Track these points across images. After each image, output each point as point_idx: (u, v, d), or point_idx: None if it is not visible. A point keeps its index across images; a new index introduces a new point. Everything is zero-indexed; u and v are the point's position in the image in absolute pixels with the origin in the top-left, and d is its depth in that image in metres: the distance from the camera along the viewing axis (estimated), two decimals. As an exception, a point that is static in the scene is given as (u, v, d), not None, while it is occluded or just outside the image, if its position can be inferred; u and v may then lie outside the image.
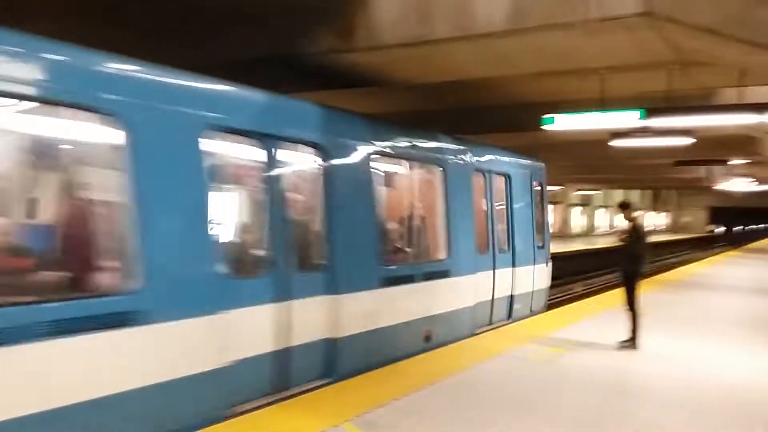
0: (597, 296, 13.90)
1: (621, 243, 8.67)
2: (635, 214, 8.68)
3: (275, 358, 5.89)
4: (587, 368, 7.32)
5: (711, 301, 13.34)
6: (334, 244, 6.68)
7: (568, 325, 9.97)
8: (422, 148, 8.71)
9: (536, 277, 11.40)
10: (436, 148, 8.95)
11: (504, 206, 10.77)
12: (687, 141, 11.39)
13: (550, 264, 12.30)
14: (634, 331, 8.37)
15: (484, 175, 10.18)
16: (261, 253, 6.07)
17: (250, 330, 5.61)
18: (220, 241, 5.71)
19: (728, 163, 21.71)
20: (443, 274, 8.60)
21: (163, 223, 4.99)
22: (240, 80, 6.04)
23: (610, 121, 9.66)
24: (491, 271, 9.85)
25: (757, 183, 29.91)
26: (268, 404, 5.59)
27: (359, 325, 6.89)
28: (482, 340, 8.71)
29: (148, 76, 5.10)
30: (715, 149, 18.01)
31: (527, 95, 12.55)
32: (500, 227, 10.54)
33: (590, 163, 17.36)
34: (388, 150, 7.88)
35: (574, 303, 12.86)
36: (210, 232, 5.37)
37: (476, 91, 12.14)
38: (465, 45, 7.17)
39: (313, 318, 6.32)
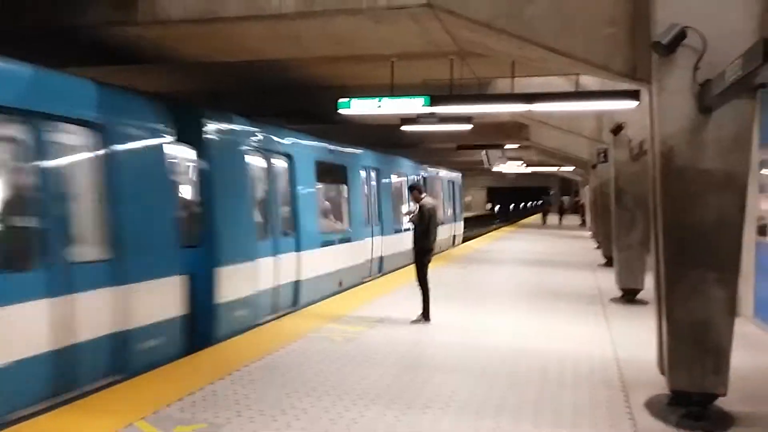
0: (395, 272, 14.54)
1: (411, 223, 9.23)
2: (423, 195, 9.20)
3: None
4: (386, 343, 7.57)
5: (490, 274, 14.52)
6: None
7: (369, 302, 10.25)
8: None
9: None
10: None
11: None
12: (467, 127, 12.22)
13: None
14: (425, 305, 8.87)
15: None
16: None
17: None
18: None
19: (504, 147, 23.79)
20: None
21: None
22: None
23: (399, 107, 10.04)
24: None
25: (525, 165, 33.21)
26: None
27: None
28: (287, 322, 8.68)
29: None
30: (492, 134, 19.58)
31: (324, 79, 12.64)
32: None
33: (384, 147, 18.00)
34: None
35: (376, 280, 13.33)
36: None
37: (272, 73, 11.98)
38: (256, 24, 6.97)
39: None
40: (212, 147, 7.96)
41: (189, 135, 7.53)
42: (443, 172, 22.15)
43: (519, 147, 24.30)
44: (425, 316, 8.81)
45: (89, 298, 5.75)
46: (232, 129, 8.53)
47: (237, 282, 8.12)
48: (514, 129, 19.05)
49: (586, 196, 35.62)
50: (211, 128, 8.01)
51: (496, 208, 69.53)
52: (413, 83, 11.65)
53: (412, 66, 10.37)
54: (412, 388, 5.85)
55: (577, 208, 49.18)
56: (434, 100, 9.71)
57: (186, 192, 7.86)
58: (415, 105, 9.83)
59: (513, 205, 71.47)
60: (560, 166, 31.96)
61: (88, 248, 5.94)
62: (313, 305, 10.07)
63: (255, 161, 9.09)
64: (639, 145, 10.36)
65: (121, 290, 6.10)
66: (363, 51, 8.54)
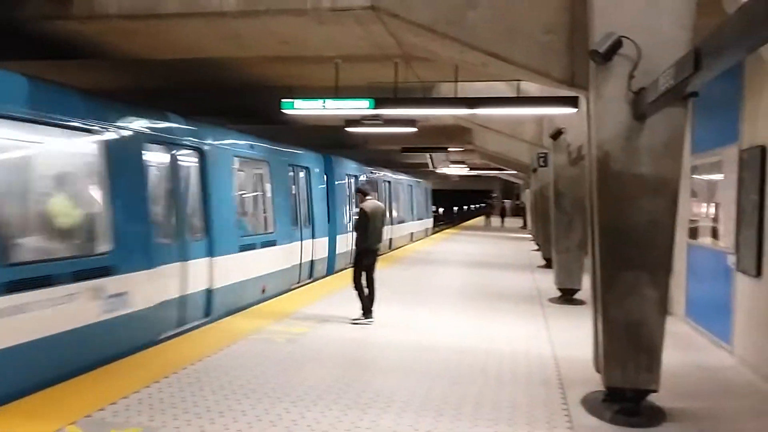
0: (344, 271, 14.53)
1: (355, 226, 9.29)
2: (367, 198, 9.20)
3: None
4: (328, 344, 7.54)
5: (434, 275, 14.63)
6: None
7: (317, 301, 10.28)
8: None
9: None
10: None
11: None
12: (411, 129, 12.30)
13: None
14: (363, 305, 8.90)
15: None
16: None
17: None
18: None
19: (447, 150, 24.06)
20: None
21: None
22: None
23: (343, 109, 10.03)
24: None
25: (469, 168, 33.67)
26: None
27: None
28: (228, 323, 8.54)
29: None
30: (436, 137, 19.77)
31: (267, 79, 12.49)
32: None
33: (328, 148, 17.95)
34: None
35: (325, 279, 13.33)
36: None
37: (214, 71, 11.77)
38: (197, 22, 6.83)
39: None
40: (333, 175, 15.74)
41: (325, 169, 15.36)
42: (423, 183, 32.07)
43: (463, 150, 24.65)
44: (365, 315, 8.84)
45: (308, 243, 13.53)
46: (341, 163, 16.67)
47: (342, 243, 15.76)
48: (458, 132, 19.28)
49: (527, 199, 36.33)
50: (333, 165, 15.87)
51: (440, 210, 70.21)
52: (358, 85, 11.65)
53: (356, 68, 10.37)
54: (354, 389, 5.84)
55: (519, 211, 50.16)
56: (378, 103, 9.75)
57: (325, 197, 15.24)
58: (360, 107, 9.85)
59: (457, 207, 72.19)
60: (502, 169, 32.53)
61: (305, 221, 13.69)
62: (258, 305, 10.01)
63: (347, 183, 17.10)
64: (577, 149, 10.62)
65: (313, 241, 13.85)
66: (307, 52, 8.49)
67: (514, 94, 11.46)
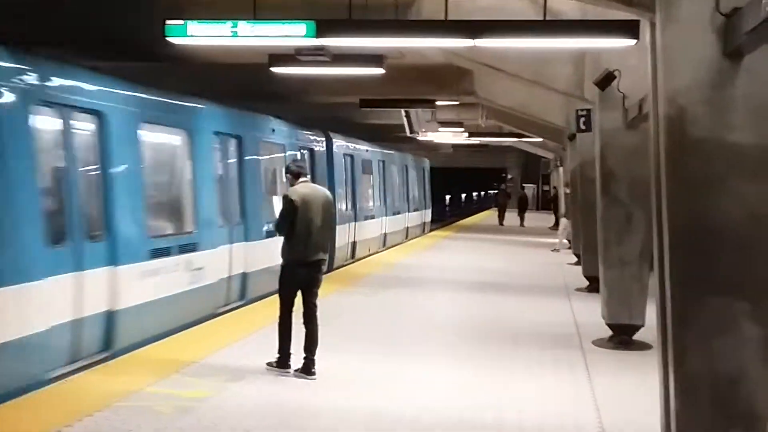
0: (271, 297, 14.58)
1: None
2: (299, 180, 9.17)
3: None
4: (244, 414, 7.56)
5: (413, 303, 14.72)
6: None
7: (224, 346, 10.29)
8: None
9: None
10: None
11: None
12: (376, 71, 12.31)
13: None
14: (281, 349, 9.02)
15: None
16: None
17: None
18: None
19: (435, 105, 24.11)
20: None
21: None
22: None
23: (266, 37, 10.00)
24: None
25: (468, 134, 33.68)
26: None
27: None
28: (84, 380, 8.46)
29: None
30: (416, 85, 19.82)
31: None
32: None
33: (242, 99, 17.88)
34: None
35: (245, 308, 13.39)
36: None
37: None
38: None
39: None
40: (332, 155, 21.83)
41: (326, 148, 21.57)
42: (423, 160, 39.60)
43: (459, 105, 24.74)
44: (282, 364, 8.96)
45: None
46: (341, 142, 23.25)
47: (342, 235, 21.12)
48: (451, 77, 19.37)
49: (560, 183, 36.57)
50: (333, 144, 22.10)
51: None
52: (288, 1, 11.64)
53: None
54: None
55: (548, 202, 50.57)
56: (323, 28, 9.73)
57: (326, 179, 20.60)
58: (293, 34, 9.83)
59: (449, 195, 72.53)
60: (522, 135, 32.75)
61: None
62: (141, 348, 10.02)
63: (344, 163, 23.47)
64: (638, 105, 10.75)
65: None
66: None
67: (539, 17, 11.55)
